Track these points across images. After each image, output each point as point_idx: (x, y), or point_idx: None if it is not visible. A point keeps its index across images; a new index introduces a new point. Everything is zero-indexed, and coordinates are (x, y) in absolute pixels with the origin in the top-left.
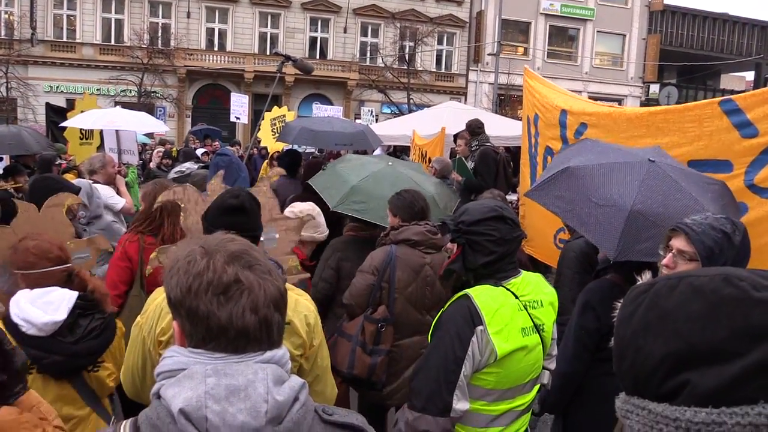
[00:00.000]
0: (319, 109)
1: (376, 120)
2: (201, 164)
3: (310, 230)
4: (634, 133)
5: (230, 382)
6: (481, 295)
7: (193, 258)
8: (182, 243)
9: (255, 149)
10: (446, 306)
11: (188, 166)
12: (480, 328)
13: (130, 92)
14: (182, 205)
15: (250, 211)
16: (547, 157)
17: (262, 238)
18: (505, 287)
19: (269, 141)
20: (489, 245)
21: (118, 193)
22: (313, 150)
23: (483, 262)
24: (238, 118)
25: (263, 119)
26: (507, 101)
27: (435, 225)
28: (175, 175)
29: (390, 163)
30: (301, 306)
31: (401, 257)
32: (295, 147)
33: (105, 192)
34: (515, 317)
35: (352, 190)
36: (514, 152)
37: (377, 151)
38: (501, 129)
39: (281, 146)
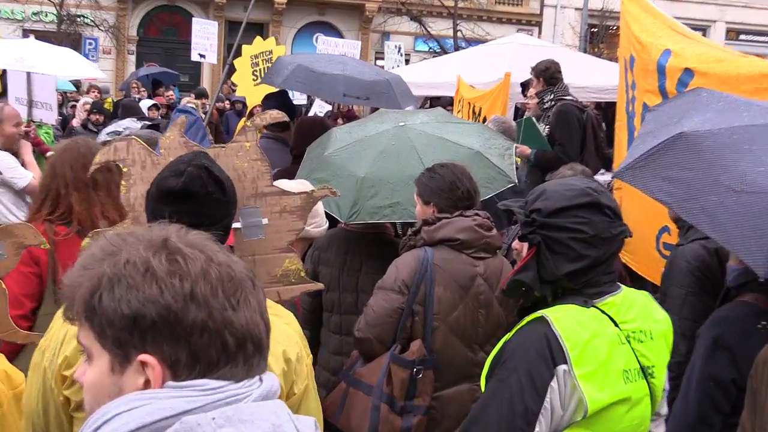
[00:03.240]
0: (325, 44)
1: (407, 61)
2: (147, 122)
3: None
4: (763, 84)
5: None
6: (565, 319)
7: (146, 258)
8: (119, 229)
9: (228, 102)
10: (512, 333)
11: (128, 124)
12: (563, 368)
13: (46, 16)
14: (123, 169)
15: (203, 196)
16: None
17: (237, 225)
18: (599, 309)
19: (249, 89)
20: (577, 246)
21: (23, 164)
22: (304, 101)
23: (567, 270)
24: (202, 56)
25: (240, 57)
26: (601, 35)
27: (487, 214)
28: (108, 138)
29: (402, 123)
30: (278, 333)
31: (441, 266)
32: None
33: (2, 161)
34: (614, 354)
35: (365, 183)
36: (608, 110)
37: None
38: (591, 76)
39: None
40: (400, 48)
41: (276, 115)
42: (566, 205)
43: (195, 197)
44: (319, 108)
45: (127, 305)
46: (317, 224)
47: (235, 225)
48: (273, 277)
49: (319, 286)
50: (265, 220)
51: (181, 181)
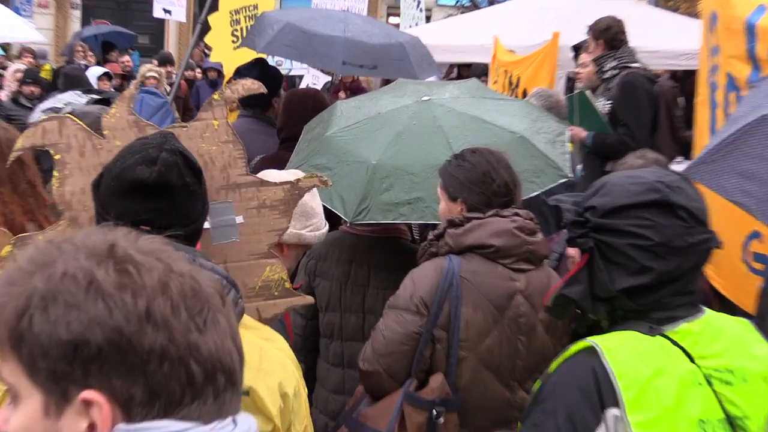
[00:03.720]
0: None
1: (428, 18)
2: (95, 96)
3: (295, 223)
4: None
5: None
6: (620, 350)
7: (88, 269)
8: (52, 233)
9: (199, 70)
10: (554, 364)
11: (70, 99)
12: (613, 412)
13: None
14: (56, 156)
15: (181, 189)
16: (729, 95)
17: (206, 226)
18: (668, 338)
19: (226, 53)
20: (638, 255)
21: None
22: (304, 71)
23: (625, 286)
24: (168, 12)
25: (217, 12)
26: None
27: (528, 211)
28: (45, 116)
29: (426, 97)
30: (272, 361)
31: (471, 280)
32: (287, 64)
33: None
34: (687, 398)
35: (378, 173)
36: (687, 81)
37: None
38: (664, 38)
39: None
40: (419, 2)
41: (250, 85)
42: (627, 203)
43: (172, 191)
44: (314, 79)
45: (66, 329)
46: (314, 226)
47: (205, 225)
48: (250, 290)
49: (308, 299)
50: (239, 218)
51: (155, 170)
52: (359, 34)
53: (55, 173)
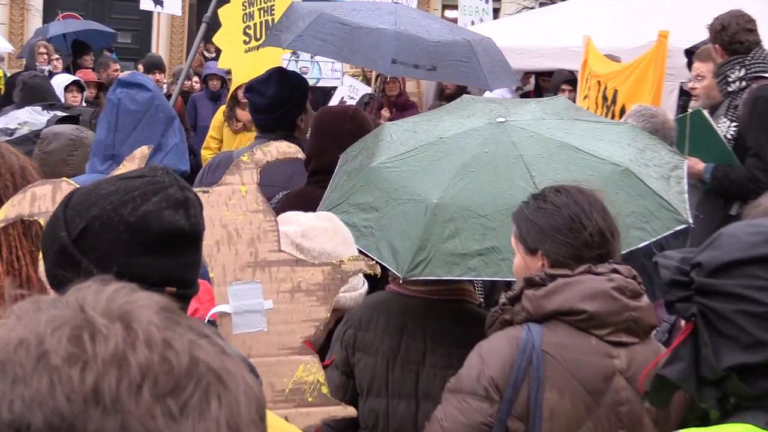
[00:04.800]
0: None
1: (495, 12)
2: (61, 113)
3: None
4: None
5: None
6: None
7: (42, 335)
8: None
9: (195, 79)
10: None
11: (27, 116)
12: None
13: None
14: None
15: (202, 239)
16: None
17: (224, 309)
18: None
19: (235, 57)
20: (750, 325)
21: None
22: (338, 81)
23: (734, 363)
24: (159, 3)
25: (227, 5)
26: None
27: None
28: None
29: (501, 119)
30: None
31: (556, 356)
32: (315, 72)
33: None
34: None
35: (440, 215)
36: None
37: (499, 91)
38: None
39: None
40: None
41: (285, 149)
42: (739, 257)
43: (201, 241)
44: (351, 91)
45: (8, 408)
46: (350, 285)
47: (222, 308)
48: (278, 394)
49: (351, 411)
50: (268, 303)
51: (191, 215)
52: (414, 27)
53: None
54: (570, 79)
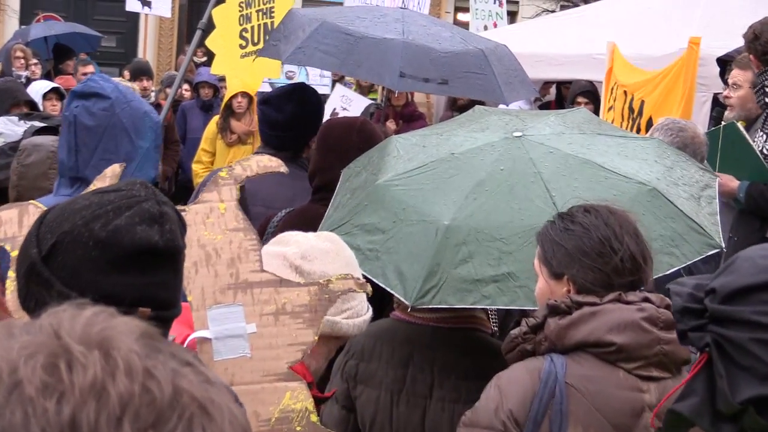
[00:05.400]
0: None
1: (511, 16)
2: (37, 124)
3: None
4: None
5: None
6: None
7: (15, 363)
8: None
9: (185, 86)
10: None
11: (3, 128)
12: None
13: None
14: (13, 253)
15: (182, 257)
16: None
17: (204, 334)
18: None
19: (230, 63)
20: (766, 353)
21: None
22: (327, 88)
23: (750, 396)
24: (146, 4)
25: (223, 5)
26: None
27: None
28: None
29: (518, 133)
30: None
31: (581, 390)
32: (302, 77)
33: None
34: None
35: (452, 238)
36: None
37: (516, 105)
38: None
39: (259, 82)
40: None
41: (267, 163)
42: (754, 282)
43: (179, 258)
44: (343, 102)
45: None
46: (354, 311)
47: (202, 334)
48: (264, 422)
49: None
50: (251, 327)
51: (166, 230)
52: (424, 37)
53: (10, 274)
54: (587, 90)
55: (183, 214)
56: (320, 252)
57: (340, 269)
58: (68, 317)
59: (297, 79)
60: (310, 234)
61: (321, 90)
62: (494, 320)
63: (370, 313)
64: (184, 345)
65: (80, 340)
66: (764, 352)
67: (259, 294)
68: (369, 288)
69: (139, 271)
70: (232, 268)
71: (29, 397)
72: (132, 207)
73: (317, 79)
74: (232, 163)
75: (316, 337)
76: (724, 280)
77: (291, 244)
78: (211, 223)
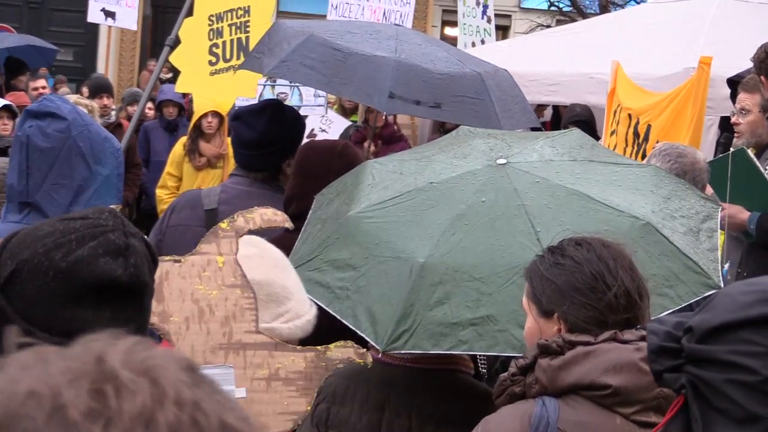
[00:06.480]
0: (348, 4)
1: (502, 31)
2: None
3: (262, 314)
4: None
5: None
6: None
7: (57, 388)
8: None
9: (149, 105)
10: None
11: None
12: None
13: None
14: None
15: (148, 293)
16: None
17: None
18: None
19: (199, 80)
20: (741, 397)
21: None
22: (321, 109)
23: None
24: (110, 15)
25: (192, 18)
26: None
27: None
28: None
29: (503, 160)
30: None
31: None
32: (295, 97)
33: None
34: None
35: (427, 277)
36: None
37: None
38: None
39: (232, 101)
40: (485, 6)
41: (271, 216)
42: (731, 320)
43: (143, 294)
44: (322, 123)
45: None
46: (292, 313)
47: None
48: None
49: None
50: (240, 392)
51: (131, 264)
52: (417, 56)
53: None
54: (581, 120)
55: (178, 265)
56: (243, 259)
57: (269, 272)
58: (107, 344)
59: (290, 100)
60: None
61: (317, 111)
62: (482, 362)
63: (314, 311)
64: None
65: (125, 366)
66: (739, 394)
67: (252, 357)
68: (369, 358)
69: (100, 306)
70: (225, 327)
71: (73, 422)
72: (97, 237)
73: (311, 99)
74: (201, 187)
75: (309, 408)
76: (701, 317)
77: (253, 251)
78: (207, 277)
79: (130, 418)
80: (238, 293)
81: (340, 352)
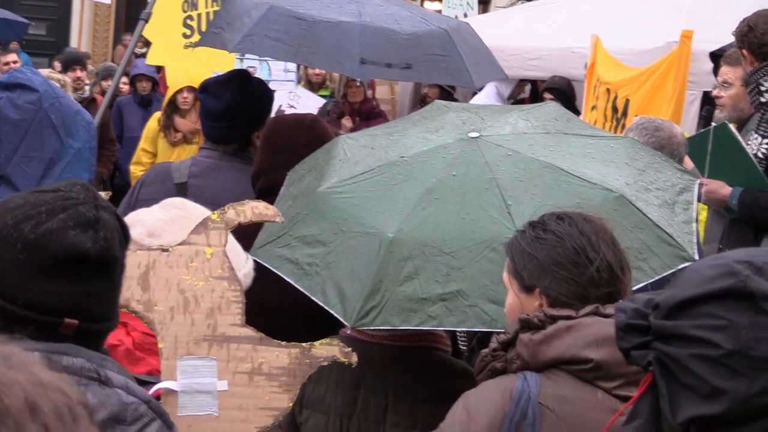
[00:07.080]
0: None
1: (485, 5)
2: None
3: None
4: None
5: None
6: None
7: None
8: None
9: (125, 81)
10: None
11: None
12: None
13: None
14: None
15: (118, 267)
16: None
17: (170, 385)
18: None
19: (172, 53)
20: (706, 371)
21: None
22: (283, 80)
23: (689, 416)
24: None
25: None
26: None
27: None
28: None
29: (475, 133)
30: None
31: (555, 411)
32: (264, 71)
33: None
34: None
35: (396, 252)
36: None
37: (486, 94)
38: None
39: (206, 75)
40: None
41: (263, 210)
42: (695, 294)
43: (114, 268)
44: (290, 98)
45: None
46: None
47: (168, 385)
48: None
49: None
50: (222, 384)
51: (100, 237)
52: (382, 18)
53: None
54: (554, 88)
55: (165, 254)
56: (167, 223)
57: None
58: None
59: (258, 74)
60: (154, 207)
61: (286, 86)
62: (462, 338)
63: (250, 263)
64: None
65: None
66: (704, 368)
67: (236, 350)
68: (354, 358)
69: (69, 278)
70: (210, 319)
71: None
72: (67, 209)
73: (281, 74)
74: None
75: (290, 405)
76: (668, 293)
77: (136, 225)
78: (194, 268)
79: (18, 411)
80: (224, 285)
81: (325, 349)
